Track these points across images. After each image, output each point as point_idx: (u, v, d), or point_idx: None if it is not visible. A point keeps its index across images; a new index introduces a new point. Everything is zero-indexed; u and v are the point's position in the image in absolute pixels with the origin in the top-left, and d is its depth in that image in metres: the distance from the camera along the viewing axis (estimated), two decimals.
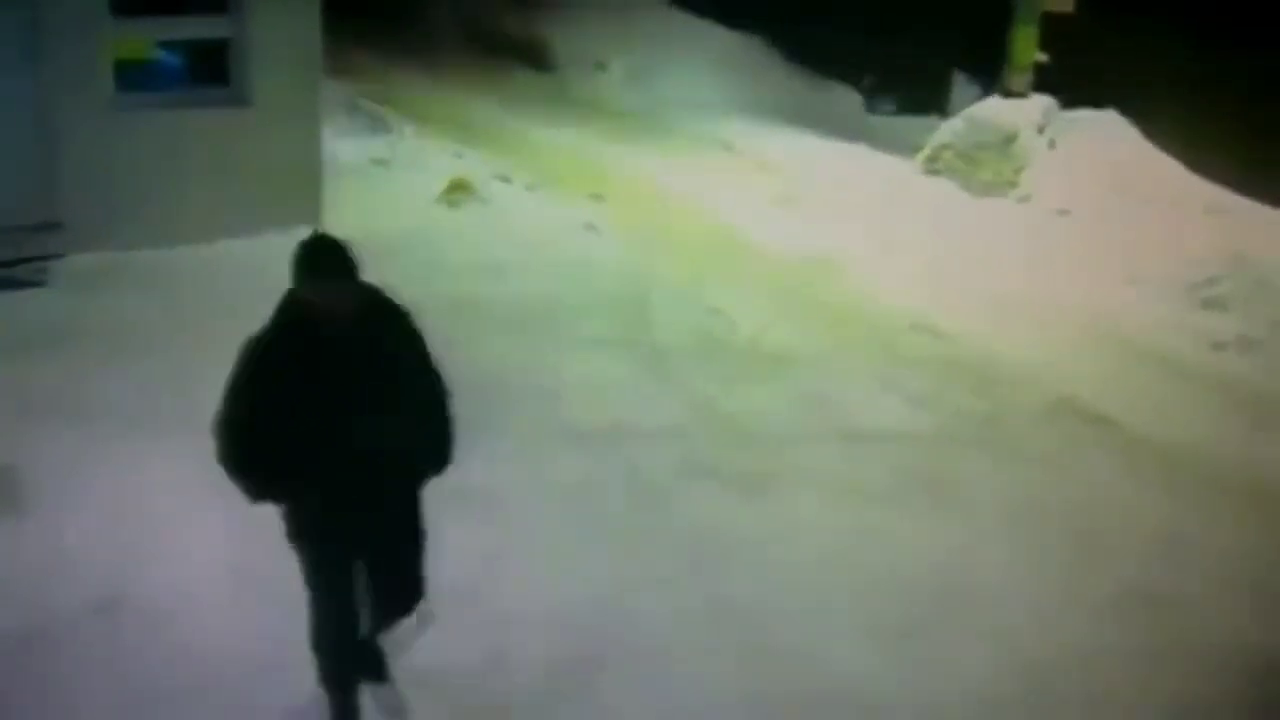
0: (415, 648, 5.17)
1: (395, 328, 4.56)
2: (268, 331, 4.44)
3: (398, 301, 4.57)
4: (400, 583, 4.81)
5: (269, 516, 6.22)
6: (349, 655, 4.78)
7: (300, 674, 5.11)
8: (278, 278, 9.23)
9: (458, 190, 11.12)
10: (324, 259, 4.36)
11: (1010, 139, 12.30)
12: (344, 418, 4.33)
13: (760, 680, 5.35)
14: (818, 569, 6.15)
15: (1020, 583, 6.17)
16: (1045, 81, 12.56)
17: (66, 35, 8.90)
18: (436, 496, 6.48)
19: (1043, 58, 12.50)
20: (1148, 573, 6.30)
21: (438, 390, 4.70)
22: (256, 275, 9.06)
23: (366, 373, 4.38)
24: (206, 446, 6.72)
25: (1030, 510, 6.84)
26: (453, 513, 6.39)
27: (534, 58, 16.96)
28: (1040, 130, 12.38)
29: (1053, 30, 12.40)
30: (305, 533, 4.60)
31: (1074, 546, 6.51)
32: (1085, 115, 12.43)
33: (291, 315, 4.39)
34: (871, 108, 15.59)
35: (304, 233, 9.67)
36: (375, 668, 4.91)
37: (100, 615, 5.44)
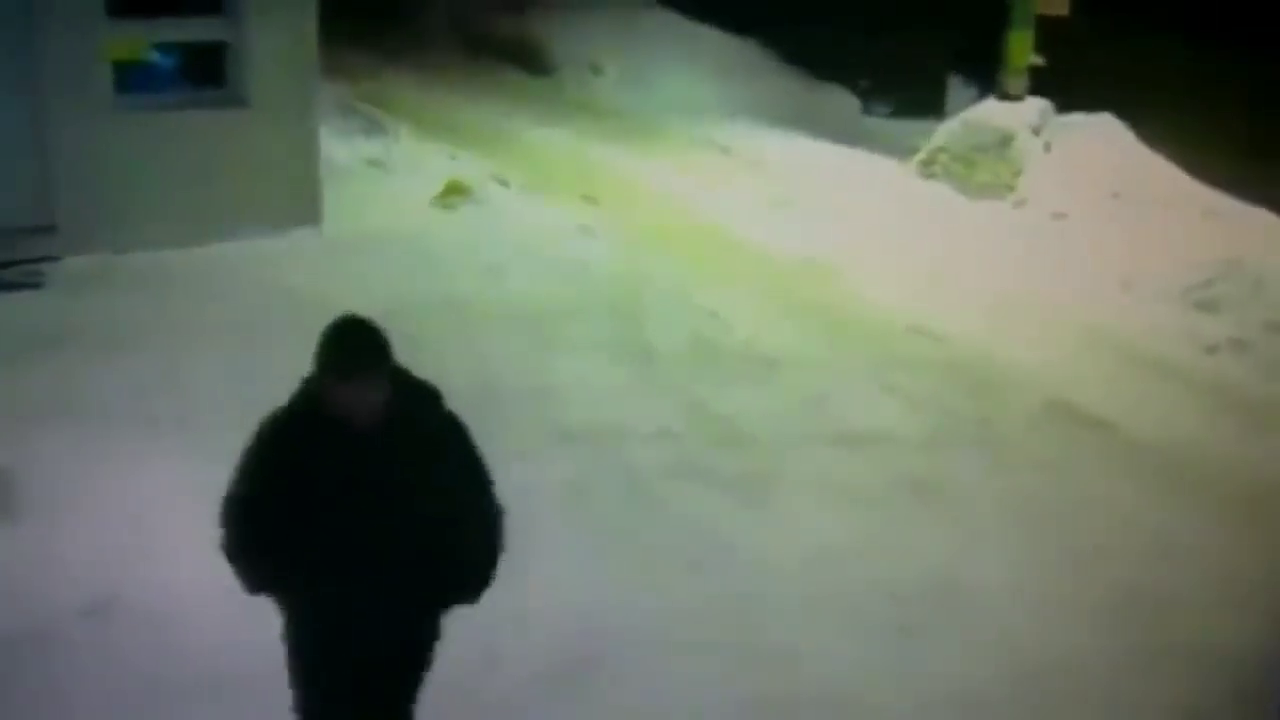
0: None
1: (432, 431, 3.98)
2: (281, 420, 3.92)
3: (439, 397, 4.08)
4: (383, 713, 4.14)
5: None
6: None
7: None
8: (274, 280, 9.30)
9: (453, 192, 11.13)
10: (351, 344, 3.83)
11: (1006, 142, 12.32)
12: (359, 529, 3.78)
13: (755, 682, 5.35)
14: (813, 571, 6.15)
15: (1016, 585, 6.17)
16: (1041, 84, 12.58)
17: (62, 37, 8.90)
18: None
19: (1038, 61, 12.52)
20: (1143, 575, 6.31)
21: (481, 506, 4.03)
22: (253, 277, 9.14)
23: (390, 482, 3.79)
24: (201, 447, 6.74)
25: (1025, 512, 6.85)
26: None
27: (529, 60, 16.97)
28: (1036, 133, 12.40)
29: (1048, 33, 12.42)
30: (297, 634, 4.11)
31: (1069, 549, 6.51)
32: (1081, 118, 12.45)
33: (308, 408, 3.84)
34: (867, 110, 15.62)
35: (301, 234, 9.82)
36: None
37: (94, 617, 5.43)
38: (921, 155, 12.89)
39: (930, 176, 12.70)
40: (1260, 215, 10.83)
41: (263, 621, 5.37)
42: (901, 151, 13.22)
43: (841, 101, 15.71)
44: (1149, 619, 5.96)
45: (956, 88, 14.69)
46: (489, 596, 5.71)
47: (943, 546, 6.45)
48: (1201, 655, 5.72)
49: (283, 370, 8.12)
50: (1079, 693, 5.46)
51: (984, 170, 12.36)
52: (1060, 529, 6.71)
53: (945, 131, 12.89)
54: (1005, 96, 12.58)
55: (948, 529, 6.63)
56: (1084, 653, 5.69)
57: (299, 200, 9.85)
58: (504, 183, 11.77)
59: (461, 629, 5.46)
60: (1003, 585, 6.16)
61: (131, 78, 9.50)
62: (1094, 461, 7.47)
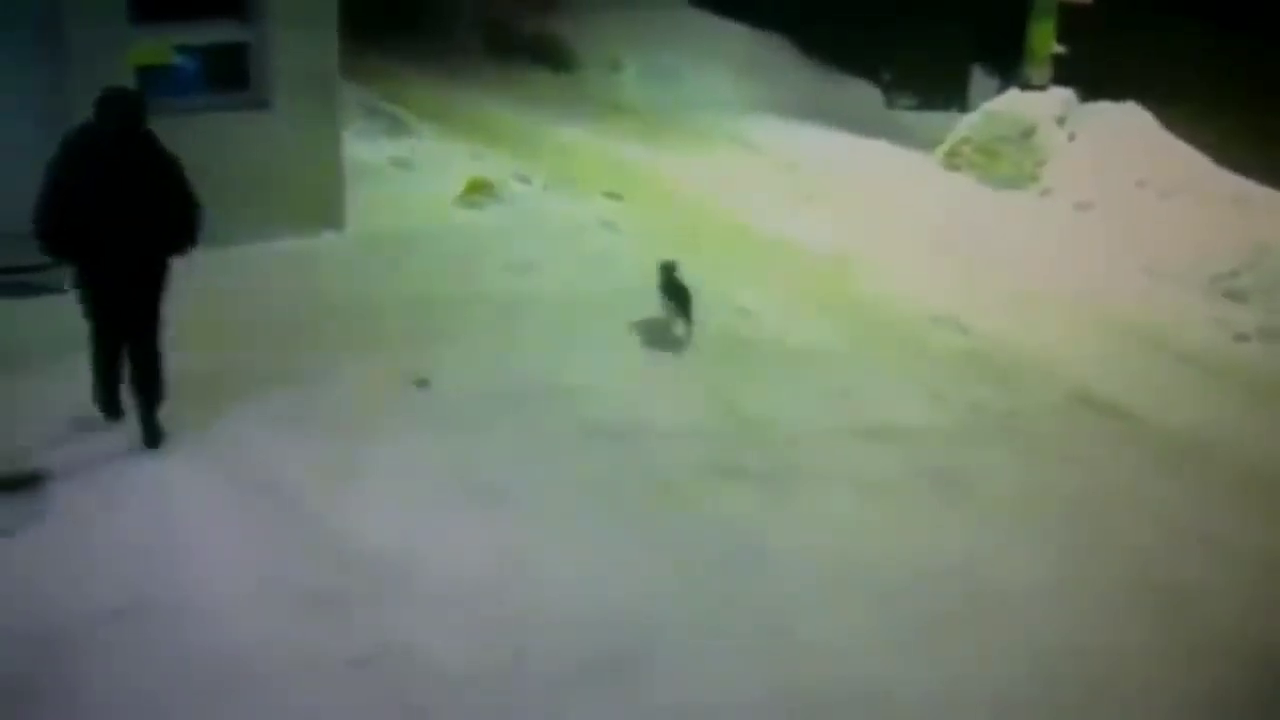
0: (424, 637, 5.22)
1: (149, 145, 6.61)
2: (72, 140, 6.55)
3: (154, 134, 6.64)
4: (141, 341, 6.78)
5: (294, 519, 6.29)
6: (101, 379, 6.92)
7: (326, 678, 5.15)
8: (299, 281, 9.33)
9: (477, 191, 11.15)
10: (113, 107, 6.54)
11: (1029, 132, 12.27)
12: (111, 199, 6.42)
13: (785, 676, 5.35)
14: (841, 564, 6.15)
15: (1044, 578, 6.15)
16: (1064, 74, 12.52)
17: (86, 43, 8.94)
18: (461, 493, 6.55)
19: (1061, 50, 12.46)
20: (1173, 567, 6.28)
21: (183, 184, 6.69)
22: (278, 279, 9.18)
23: (127, 172, 6.49)
24: (228, 449, 6.80)
25: (1054, 505, 6.83)
26: (476, 510, 6.45)
27: (552, 58, 16.97)
28: (1060, 123, 12.33)
29: (1071, 22, 12.36)
30: (83, 284, 6.71)
31: (1097, 542, 6.49)
32: (1104, 107, 12.37)
33: (79, 133, 6.58)
34: (891, 103, 15.55)
35: (326, 235, 9.86)
36: (112, 406, 6.98)
37: (126, 617, 5.47)
38: (945, 147, 12.85)
39: (954, 168, 12.66)
40: None
41: (292, 621, 5.45)
42: (925, 144, 13.17)
43: (864, 94, 15.64)
44: (1178, 612, 5.93)
45: (979, 79, 14.60)
46: (515, 595, 5.77)
47: (971, 540, 6.44)
48: (1232, 648, 5.70)
49: (307, 369, 8.20)
50: (1108, 686, 5.44)
51: (1008, 161, 12.31)
52: (1088, 521, 6.68)
53: (969, 123, 12.85)
54: (1028, 86, 12.52)
55: (976, 522, 6.62)
56: (1113, 645, 5.68)
57: (323, 201, 9.88)
58: (527, 180, 11.79)
59: (490, 627, 5.51)
60: (1031, 578, 6.14)
61: (154, 81, 9.54)
62: (1122, 453, 7.44)
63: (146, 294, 6.77)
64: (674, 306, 8.62)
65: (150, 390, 6.84)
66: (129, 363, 6.84)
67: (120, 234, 6.52)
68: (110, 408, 7.01)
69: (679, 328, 8.58)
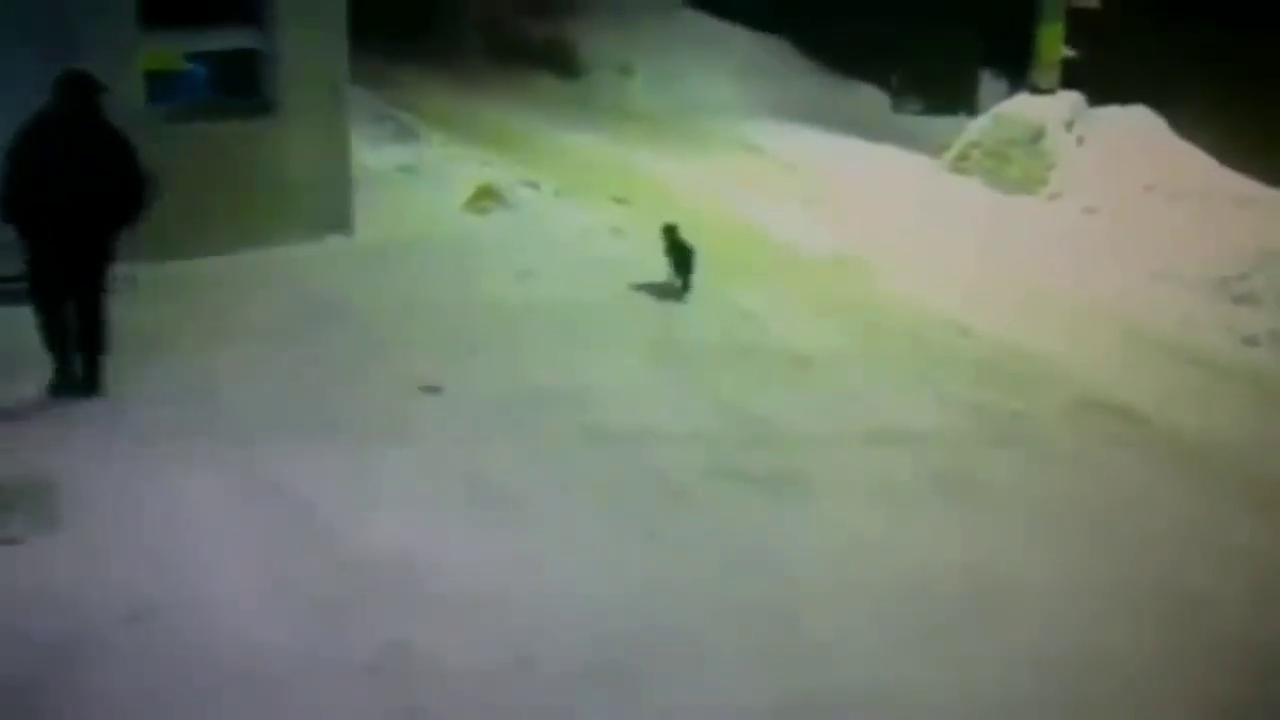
0: (431, 640, 5.23)
1: (102, 122, 7.20)
2: (31, 123, 7.12)
3: (108, 116, 7.25)
4: (89, 301, 7.32)
5: (303, 524, 6.30)
6: (53, 349, 7.33)
7: (336, 682, 5.15)
8: (307, 286, 9.33)
9: (484, 197, 11.17)
10: (67, 87, 7.18)
11: (1038, 136, 12.26)
12: (62, 170, 7.03)
13: (790, 681, 5.34)
14: (848, 569, 6.14)
15: (1051, 582, 6.13)
16: (1072, 78, 12.51)
17: (95, 49, 8.96)
18: (469, 497, 6.56)
19: (1070, 54, 12.46)
20: (1181, 571, 6.25)
21: (133, 159, 7.20)
22: (286, 284, 9.20)
23: (78, 145, 7.12)
24: (236, 452, 6.82)
25: (1061, 509, 6.81)
26: (481, 514, 6.45)
27: (559, 64, 17.01)
28: (1068, 127, 12.34)
29: (1079, 26, 12.36)
30: (29, 252, 7.21)
31: (1105, 545, 6.47)
32: (1113, 111, 12.38)
33: (37, 116, 7.17)
34: (898, 107, 15.56)
35: (334, 240, 9.89)
36: (64, 368, 7.38)
37: (138, 622, 5.48)
38: (953, 151, 12.85)
39: (962, 172, 12.66)
40: None
41: (298, 625, 5.45)
42: (933, 148, 13.18)
43: (872, 99, 15.66)
44: (1187, 616, 5.90)
45: (987, 83, 14.63)
46: (520, 599, 5.77)
47: (979, 543, 6.42)
48: (1241, 652, 5.67)
49: (316, 376, 8.22)
50: (1116, 690, 5.41)
51: (1016, 165, 12.31)
52: (1096, 525, 6.66)
53: (977, 127, 12.85)
54: (1037, 90, 12.53)
55: (983, 526, 6.60)
56: (1121, 649, 5.65)
57: (331, 207, 9.91)
58: (534, 186, 11.81)
59: (495, 630, 5.51)
60: (1039, 582, 6.12)
61: (165, 88, 9.57)
62: (1130, 456, 7.41)
63: (93, 259, 7.29)
64: (676, 264, 9.53)
65: (95, 345, 7.40)
66: (77, 320, 7.36)
67: (70, 202, 7.05)
68: (64, 374, 7.38)
69: (680, 283, 9.49)
